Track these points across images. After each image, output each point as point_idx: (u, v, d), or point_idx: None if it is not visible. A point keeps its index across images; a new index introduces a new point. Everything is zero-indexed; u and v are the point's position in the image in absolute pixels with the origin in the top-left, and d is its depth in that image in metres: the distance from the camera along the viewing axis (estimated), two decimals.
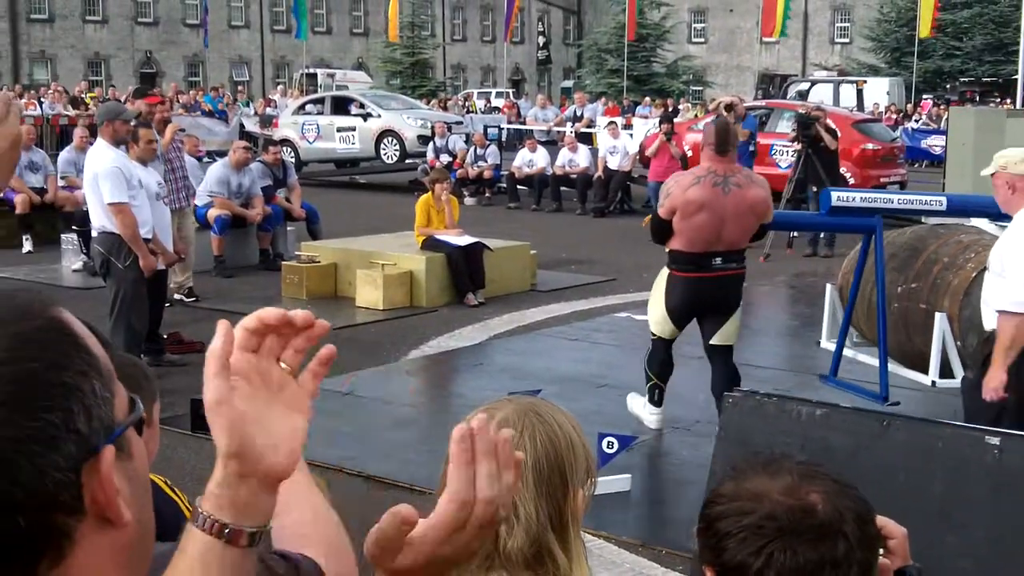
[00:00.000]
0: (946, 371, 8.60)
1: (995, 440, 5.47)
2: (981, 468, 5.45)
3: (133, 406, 1.24)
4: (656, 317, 8.57)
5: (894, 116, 40.07)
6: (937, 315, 8.46)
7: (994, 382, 6.48)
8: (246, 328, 1.34)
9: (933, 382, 8.67)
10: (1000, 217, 8.02)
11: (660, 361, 8.64)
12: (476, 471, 1.42)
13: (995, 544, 5.38)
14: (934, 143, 33.36)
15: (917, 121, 40.79)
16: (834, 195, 8.90)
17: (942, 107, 41.70)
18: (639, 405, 8.80)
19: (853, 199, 8.93)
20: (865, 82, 43.09)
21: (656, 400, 8.71)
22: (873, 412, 6.01)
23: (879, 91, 45.60)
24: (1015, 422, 6.37)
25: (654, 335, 8.64)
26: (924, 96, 49.35)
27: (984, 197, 8.37)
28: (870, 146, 22.21)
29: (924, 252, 8.98)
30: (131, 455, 1.22)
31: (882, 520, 1.99)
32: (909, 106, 44.84)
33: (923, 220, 9.56)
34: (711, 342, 8.45)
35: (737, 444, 5.92)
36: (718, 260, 8.12)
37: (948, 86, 53.14)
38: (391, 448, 8.24)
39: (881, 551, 1.96)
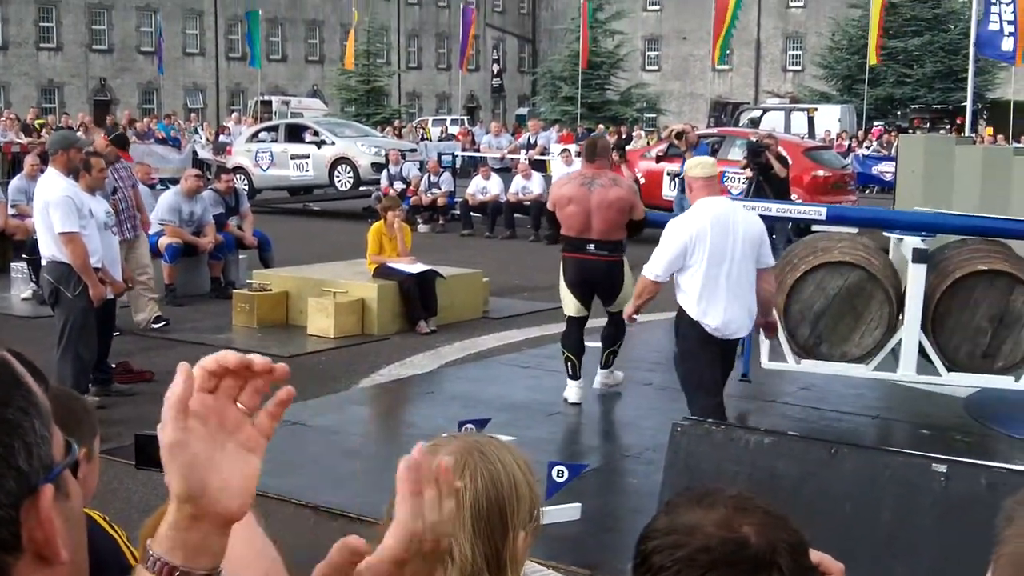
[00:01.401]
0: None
1: (942, 468, 5.50)
2: (928, 496, 5.48)
3: (69, 448, 1.23)
4: (563, 296, 10.32)
5: (845, 143, 40.39)
6: None
7: (627, 312, 8.75)
8: (205, 369, 1.35)
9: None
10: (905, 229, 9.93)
11: (573, 340, 10.22)
12: (422, 501, 1.44)
13: (942, 573, 5.40)
14: (885, 169, 33.67)
15: (868, 148, 41.13)
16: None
17: (893, 134, 42.08)
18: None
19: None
20: (816, 109, 43.49)
21: (573, 374, 10.16)
22: (820, 440, 6.04)
23: (831, 118, 45.98)
24: (685, 365, 8.28)
25: (567, 316, 10.33)
26: (875, 123, 49.81)
27: (864, 209, 9.42)
28: (821, 173, 22.38)
29: (789, 255, 10.05)
30: (68, 495, 1.21)
31: (819, 556, 1.98)
32: (860, 133, 45.21)
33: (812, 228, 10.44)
34: (607, 308, 10.37)
35: (686, 472, 5.93)
36: (591, 246, 9.96)
37: (899, 113, 53.66)
38: (340, 478, 8.20)
39: None
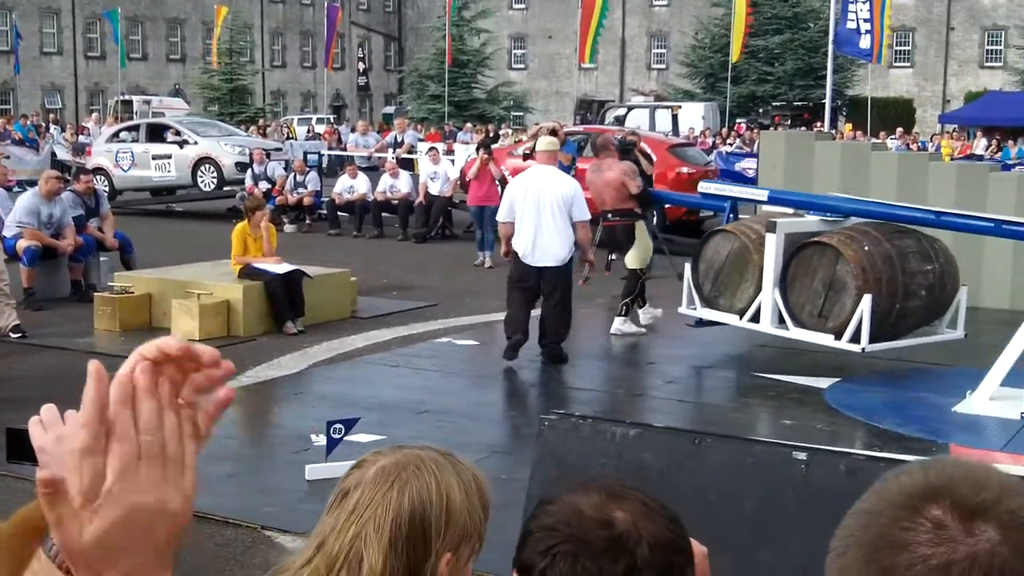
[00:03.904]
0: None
1: (803, 456, 5.59)
2: (790, 483, 5.56)
3: None
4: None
5: (709, 140, 40.92)
6: (686, 265, 11.92)
7: (500, 251, 12.08)
8: (145, 357, 1.18)
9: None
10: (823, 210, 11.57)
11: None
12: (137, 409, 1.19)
13: (808, 558, 5.47)
14: (747, 166, 34.04)
15: (731, 144, 41.72)
16: (701, 185, 13.38)
17: (755, 131, 42.72)
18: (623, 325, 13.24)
19: (710, 188, 13.14)
20: (680, 107, 43.96)
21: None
22: (685, 432, 6.10)
23: (694, 116, 46.58)
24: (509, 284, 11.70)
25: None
26: (738, 120, 50.55)
27: (797, 193, 12.98)
28: (685, 170, 22.61)
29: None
30: None
31: None
32: (724, 130, 45.86)
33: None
34: (625, 263, 13.50)
35: (553, 465, 5.95)
36: (609, 215, 13.23)
37: (761, 110, 54.54)
38: (207, 482, 8.07)
39: None
